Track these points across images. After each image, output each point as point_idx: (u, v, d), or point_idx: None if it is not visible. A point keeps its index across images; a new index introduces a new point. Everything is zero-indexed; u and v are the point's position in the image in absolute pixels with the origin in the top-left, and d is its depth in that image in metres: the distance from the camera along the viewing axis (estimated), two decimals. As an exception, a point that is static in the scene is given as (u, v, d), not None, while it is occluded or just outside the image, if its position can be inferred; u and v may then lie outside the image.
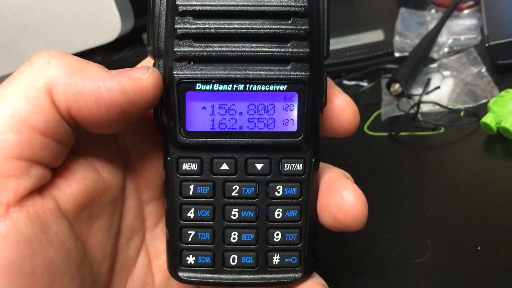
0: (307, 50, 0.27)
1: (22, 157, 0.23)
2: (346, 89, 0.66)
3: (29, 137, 0.23)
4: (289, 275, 0.30)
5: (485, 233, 0.41)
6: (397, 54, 0.72)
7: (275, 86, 0.27)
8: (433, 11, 0.80)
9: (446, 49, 0.72)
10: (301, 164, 0.29)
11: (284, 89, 0.27)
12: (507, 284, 0.36)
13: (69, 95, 0.24)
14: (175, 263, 0.30)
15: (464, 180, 0.49)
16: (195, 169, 0.29)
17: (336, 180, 0.29)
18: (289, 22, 0.26)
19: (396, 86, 0.63)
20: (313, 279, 0.30)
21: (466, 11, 0.78)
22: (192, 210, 0.29)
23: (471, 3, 0.79)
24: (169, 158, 0.28)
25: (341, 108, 0.29)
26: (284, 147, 0.28)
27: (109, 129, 0.26)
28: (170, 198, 0.29)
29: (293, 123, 0.28)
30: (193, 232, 0.29)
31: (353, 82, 0.70)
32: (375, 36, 0.74)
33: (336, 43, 0.73)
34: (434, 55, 0.71)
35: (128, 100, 0.25)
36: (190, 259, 0.29)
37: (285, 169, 0.29)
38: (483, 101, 0.59)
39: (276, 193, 0.29)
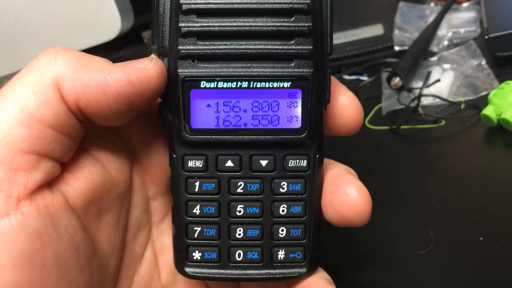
0: (311, 47, 0.27)
1: (32, 151, 0.24)
2: (346, 84, 0.65)
3: (38, 131, 0.24)
4: (294, 270, 0.30)
5: (487, 224, 0.42)
6: (397, 48, 0.72)
7: (279, 83, 0.27)
8: (432, 4, 0.80)
9: (445, 42, 0.72)
10: (305, 161, 0.29)
11: (288, 86, 0.27)
12: (509, 274, 0.37)
13: (77, 89, 0.24)
14: (181, 258, 0.30)
15: (465, 172, 0.49)
16: (200, 166, 0.29)
17: (340, 176, 0.29)
18: (292, 19, 0.27)
19: (397, 80, 0.64)
20: (318, 274, 0.30)
21: (465, 4, 0.78)
22: (198, 206, 0.29)
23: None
24: (174, 155, 0.29)
25: (345, 105, 0.29)
26: (288, 143, 0.28)
27: (117, 120, 0.26)
28: (176, 194, 0.29)
29: (297, 120, 0.28)
30: (199, 228, 0.29)
31: (353, 77, 0.70)
32: (375, 30, 0.75)
33: (336, 38, 0.73)
34: (434, 48, 0.72)
35: (135, 90, 0.25)
36: (196, 255, 0.30)
37: (289, 165, 0.29)
38: (483, 93, 0.60)
39: (281, 189, 0.29)
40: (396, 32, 0.74)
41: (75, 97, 0.24)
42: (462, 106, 0.59)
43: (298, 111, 0.28)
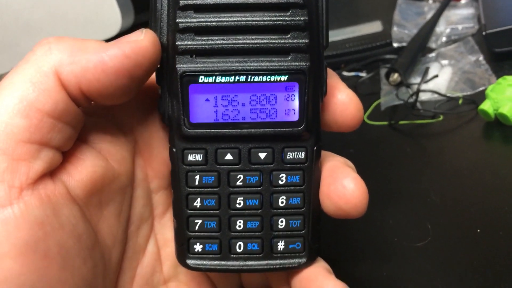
0: (307, 40, 0.27)
1: (32, 140, 0.24)
2: (345, 80, 0.66)
3: (38, 120, 0.24)
4: (294, 260, 0.30)
5: (484, 217, 0.42)
6: (395, 45, 0.72)
7: (276, 76, 0.28)
8: (430, 1, 0.81)
9: (444, 39, 0.73)
10: (303, 153, 0.29)
11: (285, 79, 0.28)
12: (506, 265, 0.37)
13: (76, 72, 0.25)
14: (183, 251, 0.30)
15: (463, 166, 0.49)
16: (200, 159, 0.29)
17: (337, 168, 0.30)
18: (288, 14, 0.27)
19: (395, 76, 0.64)
20: (317, 264, 0.31)
21: (463, 1, 0.79)
22: (198, 199, 0.30)
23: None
24: (174, 150, 0.29)
25: (344, 102, 0.29)
26: (286, 136, 0.29)
27: (121, 96, 0.27)
28: (176, 188, 0.30)
29: (294, 113, 0.28)
30: (199, 221, 0.30)
31: (352, 73, 0.71)
32: (374, 27, 0.75)
33: (335, 35, 0.73)
34: (432, 44, 0.72)
35: (132, 62, 0.25)
36: (198, 247, 0.30)
37: (287, 157, 0.29)
38: (481, 88, 0.60)
39: (280, 181, 0.30)
40: (395, 28, 0.74)
41: (76, 81, 0.25)
42: (460, 101, 0.59)
43: (296, 104, 0.28)
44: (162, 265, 0.32)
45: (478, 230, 0.41)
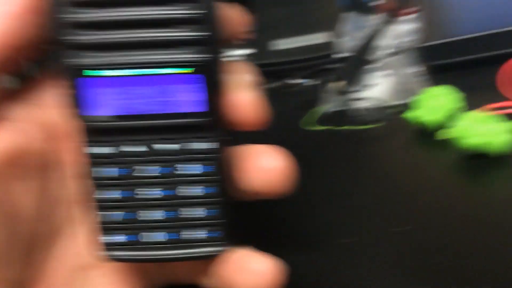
0: (206, 32, 0.27)
1: None
2: (289, 88, 0.68)
3: None
4: (209, 249, 0.30)
5: (415, 215, 0.44)
6: (340, 55, 0.74)
7: (175, 69, 0.27)
8: (376, 15, 0.83)
9: (386, 51, 0.75)
10: (209, 143, 0.29)
11: (186, 71, 0.27)
12: (435, 259, 0.39)
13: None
14: (97, 241, 0.30)
15: (395, 168, 0.52)
16: (104, 152, 0.29)
17: (259, 147, 0.30)
18: (186, 6, 0.27)
19: (338, 84, 0.66)
20: (239, 249, 0.31)
21: (408, 16, 0.81)
22: (104, 192, 0.29)
23: (413, 9, 0.83)
24: (79, 143, 0.29)
25: (245, 101, 0.29)
26: (191, 127, 0.29)
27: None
28: (85, 181, 0.29)
29: (197, 104, 0.28)
30: (107, 213, 0.30)
31: (297, 81, 0.72)
32: (320, 37, 0.77)
33: (282, 44, 0.75)
34: (375, 56, 0.74)
35: None
36: (109, 238, 0.30)
37: (194, 148, 0.29)
38: (415, 98, 0.63)
39: (188, 172, 0.29)
40: (340, 39, 0.76)
41: (4, 41, 0.26)
42: (396, 109, 0.62)
43: (198, 95, 0.28)
44: (90, 248, 0.32)
45: (409, 227, 0.42)
